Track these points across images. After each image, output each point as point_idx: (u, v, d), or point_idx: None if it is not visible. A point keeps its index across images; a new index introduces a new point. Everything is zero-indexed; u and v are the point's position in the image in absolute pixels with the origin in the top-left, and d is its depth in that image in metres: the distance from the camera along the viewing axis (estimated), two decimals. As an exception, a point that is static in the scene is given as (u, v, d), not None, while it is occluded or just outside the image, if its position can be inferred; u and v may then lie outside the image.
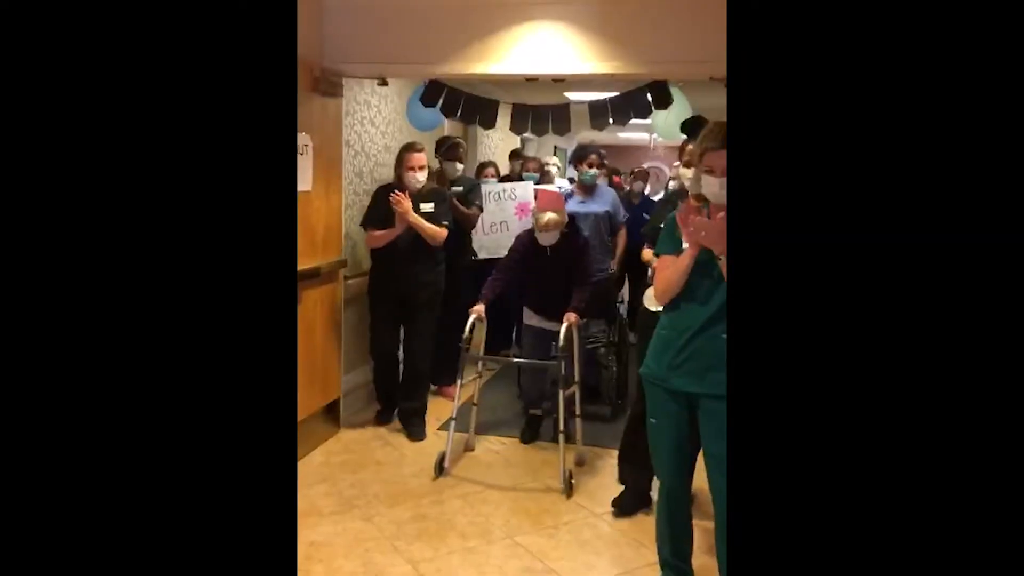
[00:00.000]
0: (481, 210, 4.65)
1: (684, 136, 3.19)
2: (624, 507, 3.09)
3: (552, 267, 3.65)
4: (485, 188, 4.89)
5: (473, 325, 3.51)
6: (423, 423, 4.05)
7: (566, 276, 3.62)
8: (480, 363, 3.84)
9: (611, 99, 3.95)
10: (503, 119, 4.30)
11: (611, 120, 3.94)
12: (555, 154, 8.35)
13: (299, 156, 3.38)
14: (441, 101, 4.12)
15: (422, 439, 3.95)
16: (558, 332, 3.52)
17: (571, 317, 3.47)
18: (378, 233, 3.83)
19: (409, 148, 3.87)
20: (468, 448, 3.79)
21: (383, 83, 4.22)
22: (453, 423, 3.53)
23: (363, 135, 4.93)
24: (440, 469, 3.47)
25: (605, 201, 4.47)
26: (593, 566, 2.73)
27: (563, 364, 3.42)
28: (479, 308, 3.54)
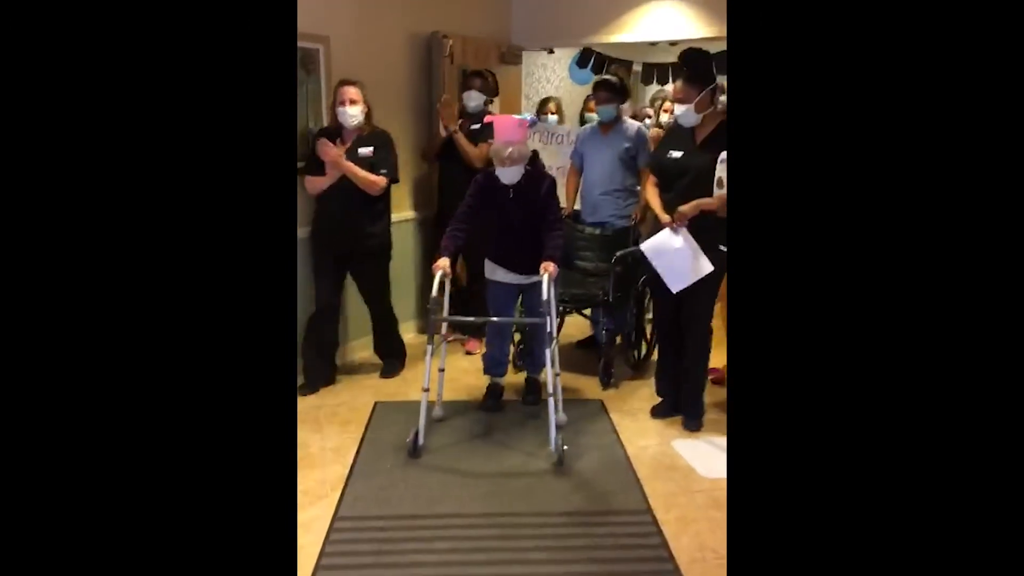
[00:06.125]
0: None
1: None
2: (660, 413, 3.26)
3: (517, 211, 3.04)
4: (548, 127, 4.52)
5: (442, 283, 2.90)
6: (399, 363, 3.76)
7: (533, 221, 3.02)
8: (444, 326, 3.14)
9: (714, 54, 5.00)
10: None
11: (715, 71, 5.00)
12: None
13: (489, 107, 4.75)
14: (591, 63, 5.41)
15: (395, 374, 3.70)
16: (525, 286, 3.14)
17: (549, 267, 2.87)
18: (314, 179, 3.34)
19: (342, 81, 3.36)
20: (435, 418, 3.14)
21: (551, 51, 5.59)
22: (426, 394, 2.87)
23: (539, 89, 6.38)
24: (415, 447, 2.85)
25: (625, 138, 3.73)
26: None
27: (548, 320, 2.84)
28: (443, 263, 2.92)
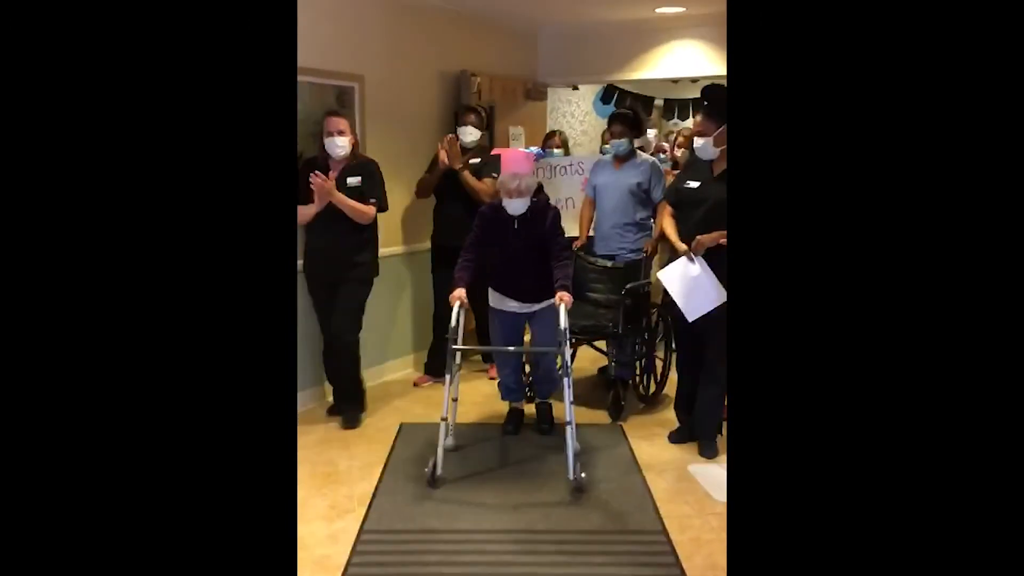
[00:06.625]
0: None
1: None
2: (677, 438, 3.36)
3: (522, 241, 3.11)
4: (551, 161, 4.46)
5: (459, 314, 2.96)
6: (358, 408, 3.58)
7: (537, 252, 3.10)
8: (458, 355, 3.06)
9: (734, 92, 5.16)
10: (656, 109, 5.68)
11: (734, 107, 5.15)
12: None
13: (514, 142, 4.98)
14: (615, 98, 5.59)
15: (355, 426, 3.49)
16: (529, 315, 3.23)
17: (565, 297, 2.93)
18: (302, 209, 3.31)
19: (330, 112, 3.42)
20: (447, 448, 3.00)
21: (575, 88, 5.78)
22: (444, 424, 2.91)
23: (564, 124, 6.58)
24: (433, 477, 2.84)
25: (637, 172, 3.77)
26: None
27: (564, 349, 2.90)
28: (460, 294, 2.98)
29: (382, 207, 3.49)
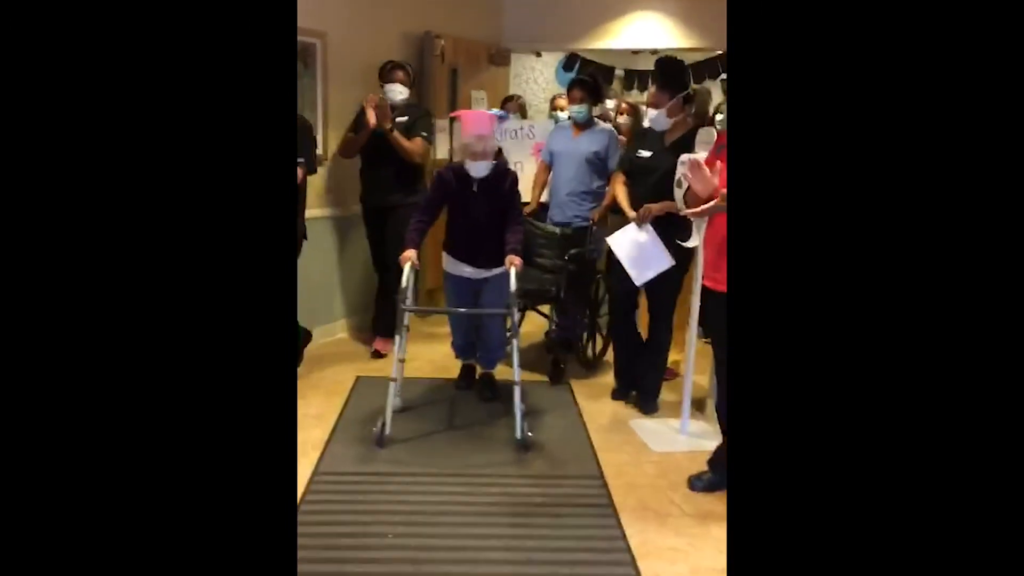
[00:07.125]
0: (429, 141, 3.91)
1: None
2: (619, 395, 3.56)
3: (482, 205, 3.11)
4: (505, 124, 4.27)
5: (410, 275, 2.96)
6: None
7: (496, 216, 3.11)
8: (406, 315, 3.01)
9: (691, 64, 5.28)
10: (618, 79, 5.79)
11: (691, 79, 5.27)
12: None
13: (476, 106, 5.01)
14: (577, 67, 5.67)
15: None
16: (483, 280, 3.24)
17: (516, 262, 2.98)
18: None
19: None
20: (394, 408, 3.02)
21: (538, 55, 5.85)
22: (393, 385, 2.95)
23: (527, 90, 6.66)
24: (381, 437, 2.89)
25: (595, 140, 3.68)
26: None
27: (515, 312, 3.00)
28: (411, 254, 3.00)
29: (310, 169, 3.33)
